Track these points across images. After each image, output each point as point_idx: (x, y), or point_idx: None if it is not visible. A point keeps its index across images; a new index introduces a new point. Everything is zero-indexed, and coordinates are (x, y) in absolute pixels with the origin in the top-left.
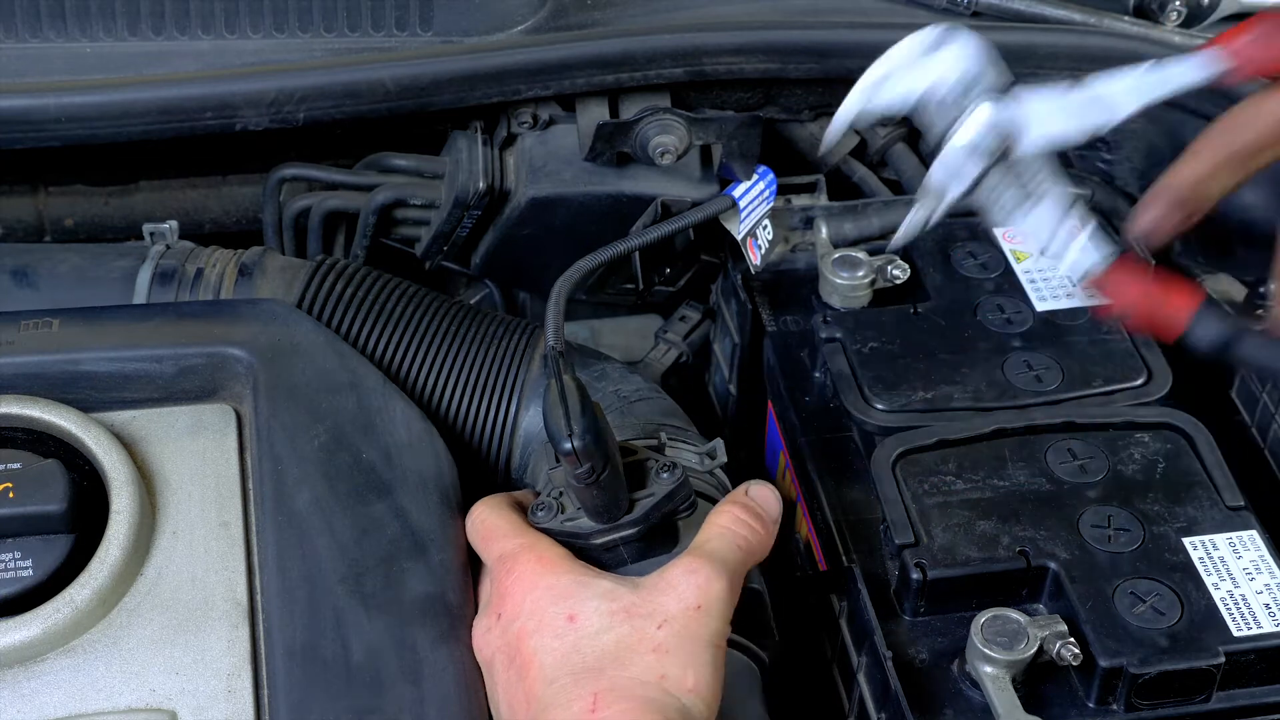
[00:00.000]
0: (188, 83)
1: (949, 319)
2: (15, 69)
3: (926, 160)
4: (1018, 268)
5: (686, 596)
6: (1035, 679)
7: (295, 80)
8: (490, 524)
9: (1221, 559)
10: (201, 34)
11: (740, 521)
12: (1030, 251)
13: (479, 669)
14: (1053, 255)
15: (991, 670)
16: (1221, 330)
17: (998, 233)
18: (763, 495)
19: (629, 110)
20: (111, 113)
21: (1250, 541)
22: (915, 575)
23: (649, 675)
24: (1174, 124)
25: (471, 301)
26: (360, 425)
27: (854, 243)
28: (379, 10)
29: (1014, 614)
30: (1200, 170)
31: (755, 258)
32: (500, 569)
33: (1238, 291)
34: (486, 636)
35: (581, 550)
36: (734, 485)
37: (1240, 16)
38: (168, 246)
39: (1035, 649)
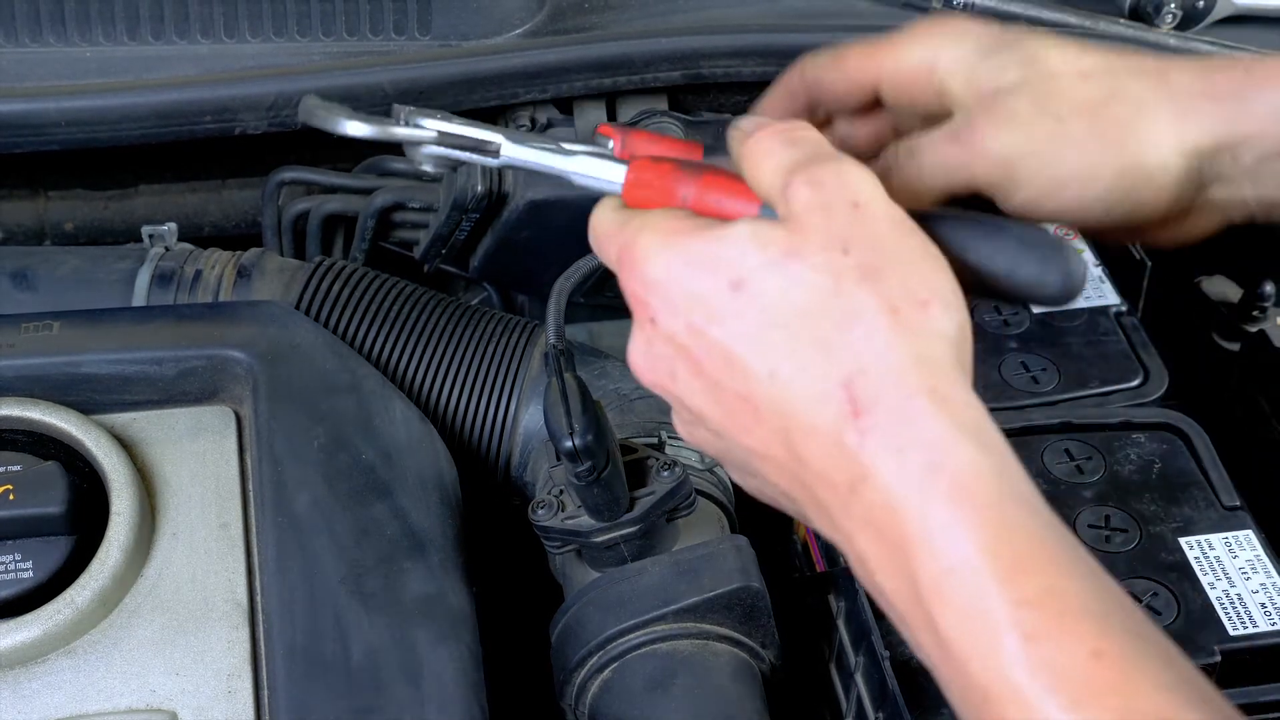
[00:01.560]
0: (187, 87)
1: None
2: (15, 73)
3: None
4: None
5: (834, 200)
6: None
7: (294, 84)
8: (597, 230)
9: (1218, 558)
10: (200, 38)
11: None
12: None
13: (479, 668)
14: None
15: None
16: None
17: None
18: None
19: (626, 113)
20: (111, 117)
21: (1246, 541)
22: None
23: (878, 321)
24: None
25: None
26: (360, 426)
27: None
28: (377, 14)
29: None
30: None
31: None
32: (622, 273)
33: (1234, 293)
34: (651, 358)
35: (581, 548)
36: (734, 485)
37: (1234, 20)
38: (166, 248)
39: None
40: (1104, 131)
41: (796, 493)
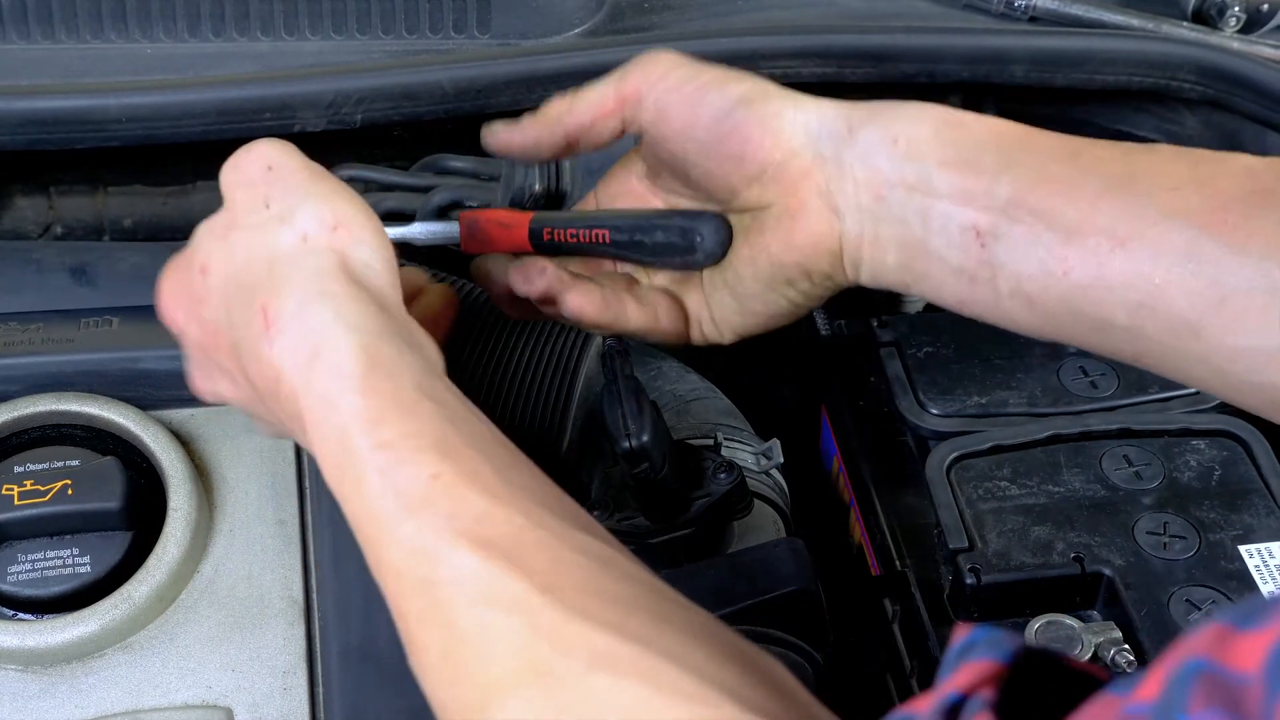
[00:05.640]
0: (247, 84)
1: None
2: (77, 69)
3: None
4: None
5: (251, 172)
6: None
7: (353, 82)
8: None
9: (1278, 566)
10: (261, 36)
11: None
12: None
13: None
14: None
15: None
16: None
17: None
18: None
19: None
20: (171, 113)
21: None
22: (969, 580)
23: (290, 250)
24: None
25: None
26: None
27: None
28: (436, 13)
29: (1068, 620)
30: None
31: None
32: None
33: None
34: (192, 359)
35: (637, 549)
36: (790, 488)
37: None
38: None
39: (1089, 656)
40: None
41: (262, 415)
